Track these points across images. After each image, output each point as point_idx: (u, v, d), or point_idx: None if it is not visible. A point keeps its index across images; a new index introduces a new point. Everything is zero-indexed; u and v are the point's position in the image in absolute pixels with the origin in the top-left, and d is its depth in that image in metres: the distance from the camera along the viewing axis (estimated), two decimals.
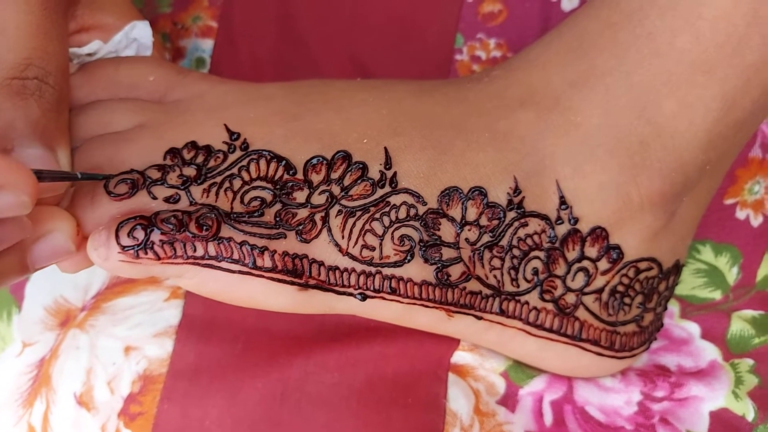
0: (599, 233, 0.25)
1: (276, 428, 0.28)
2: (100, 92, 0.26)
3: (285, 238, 0.24)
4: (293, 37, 0.33)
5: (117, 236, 0.23)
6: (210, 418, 0.28)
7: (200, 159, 0.24)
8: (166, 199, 0.23)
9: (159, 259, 0.23)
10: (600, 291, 0.26)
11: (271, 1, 0.34)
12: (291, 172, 0.24)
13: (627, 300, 0.27)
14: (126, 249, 0.23)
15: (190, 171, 0.24)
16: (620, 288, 0.26)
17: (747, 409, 0.29)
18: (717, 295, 0.31)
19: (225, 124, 0.25)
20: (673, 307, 0.31)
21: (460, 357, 0.29)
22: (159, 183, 0.24)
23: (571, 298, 0.26)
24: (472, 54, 0.33)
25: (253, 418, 0.27)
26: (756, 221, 0.31)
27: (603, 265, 0.26)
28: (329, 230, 0.24)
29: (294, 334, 0.29)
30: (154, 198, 0.23)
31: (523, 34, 0.33)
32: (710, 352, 0.30)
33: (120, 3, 0.28)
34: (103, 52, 0.28)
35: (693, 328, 0.30)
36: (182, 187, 0.24)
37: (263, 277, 0.23)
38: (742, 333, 0.30)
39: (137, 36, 0.28)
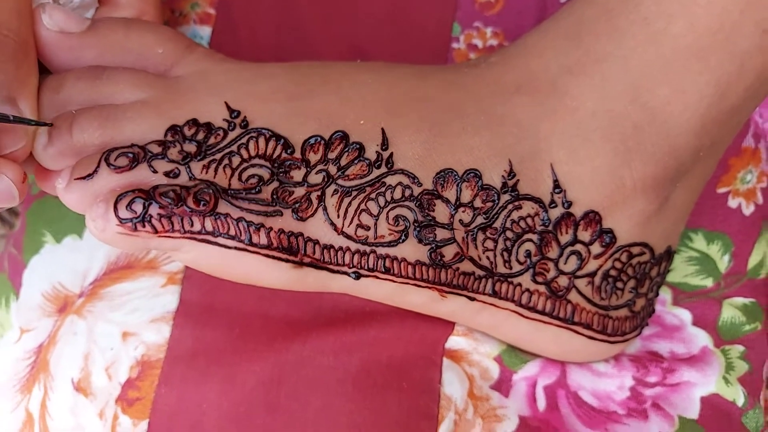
0: (592, 217, 0.26)
1: (272, 412, 0.28)
2: (108, 57, 0.26)
3: (281, 215, 0.24)
4: (292, 25, 0.33)
5: (116, 208, 0.23)
6: (207, 402, 0.28)
7: (201, 136, 0.24)
8: (166, 174, 0.24)
9: (156, 232, 0.23)
10: (592, 275, 0.26)
11: None
12: (289, 151, 0.24)
13: (619, 284, 0.27)
14: (124, 221, 0.23)
15: (190, 147, 0.24)
16: (612, 272, 0.26)
17: (737, 395, 0.29)
18: (709, 282, 0.31)
19: (225, 102, 0.25)
20: (666, 294, 0.31)
21: (454, 342, 0.29)
22: (160, 157, 0.24)
23: (563, 281, 0.26)
24: (468, 42, 0.33)
25: (250, 402, 0.28)
26: (748, 210, 0.32)
27: (596, 249, 0.26)
28: (325, 209, 0.24)
29: (291, 319, 0.29)
30: (155, 172, 0.24)
31: (519, 22, 0.33)
32: (702, 339, 0.30)
33: None
34: None
35: (685, 315, 0.31)
36: (182, 163, 0.24)
37: (259, 253, 0.24)
38: (732, 320, 0.30)
39: None
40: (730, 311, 0.30)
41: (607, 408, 0.29)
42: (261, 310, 0.29)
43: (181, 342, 0.29)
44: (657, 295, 0.29)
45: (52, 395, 0.30)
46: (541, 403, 0.29)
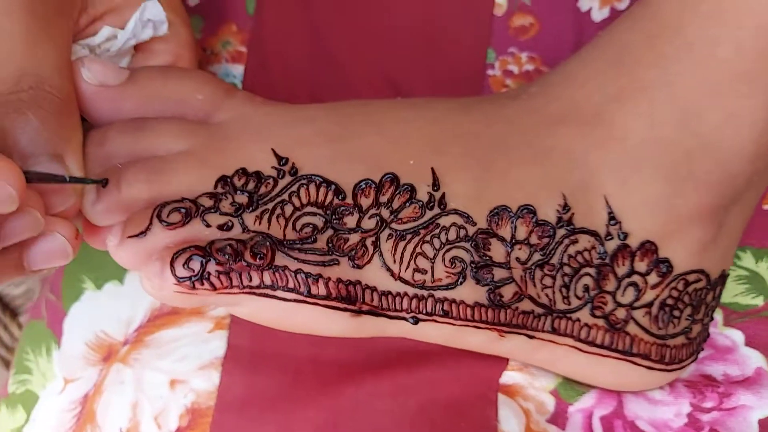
0: (648, 247, 0.25)
1: None
2: (148, 107, 0.26)
3: (338, 264, 0.24)
4: (325, 58, 0.33)
5: (173, 267, 0.22)
6: None
7: (251, 186, 0.24)
8: (220, 227, 0.23)
9: (215, 289, 0.23)
10: (650, 305, 0.26)
11: (300, 23, 0.34)
12: (340, 197, 0.24)
13: (676, 313, 0.26)
14: (182, 280, 0.22)
15: (242, 198, 0.24)
16: (670, 301, 0.26)
17: None
18: (759, 301, 0.30)
19: (273, 149, 0.25)
20: (717, 315, 0.30)
21: (509, 377, 0.28)
22: (212, 211, 0.24)
23: (621, 313, 0.26)
24: (504, 68, 0.33)
25: None
26: None
27: (653, 279, 0.26)
28: (381, 255, 0.24)
29: (344, 362, 0.29)
30: (208, 226, 0.23)
31: (556, 46, 0.33)
32: (755, 360, 0.30)
33: None
34: (121, 41, 0.28)
35: (737, 336, 0.30)
36: (235, 215, 0.24)
37: (318, 304, 0.23)
38: None
39: (150, 16, 0.28)
40: None
41: None
42: (312, 354, 0.29)
43: (231, 389, 0.29)
44: (712, 319, 0.29)
45: None
46: None
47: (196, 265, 0.22)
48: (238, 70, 0.34)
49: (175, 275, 0.22)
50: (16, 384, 0.33)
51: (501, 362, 0.28)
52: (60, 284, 0.33)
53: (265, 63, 0.33)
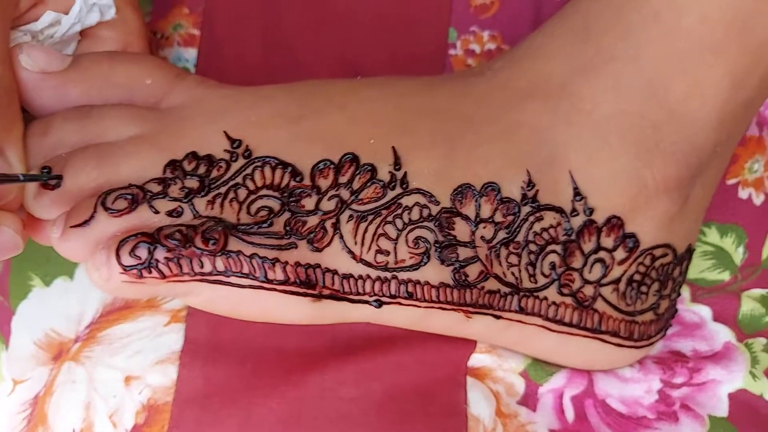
0: (615, 222, 0.25)
1: None
2: (94, 94, 0.25)
3: (296, 248, 0.23)
4: (280, 42, 0.32)
5: (118, 255, 0.21)
6: None
7: (202, 170, 0.23)
8: (169, 213, 0.22)
9: (164, 277, 0.22)
10: (617, 281, 0.26)
11: (254, 4, 0.33)
12: (298, 179, 0.23)
13: (644, 288, 0.26)
14: (128, 269, 0.21)
15: (192, 183, 0.23)
16: (637, 277, 0.26)
17: (765, 389, 0.29)
18: (725, 276, 0.30)
19: (225, 132, 0.24)
20: (684, 291, 0.30)
21: (477, 360, 0.28)
22: (160, 197, 0.22)
23: (589, 290, 0.25)
24: (466, 48, 0.32)
25: None
26: (758, 200, 0.31)
27: (620, 254, 0.25)
28: (341, 237, 0.23)
29: (306, 350, 0.28)
30: (156, 212, 0.22)
31: (516, 24, 0.32)
32: (723, 335, 0.30)
33: None
34: (66, 26, 0.26)
35: (705, 312, 0.30)
36: (185, 200, 0.22)
37: (275, 290, 0.22)
38: (752, 312, 0.30)
39: (96, 0, 0.27)
40: (750, 304, 0.30)
41: (636, 414, 0.28)
42: (273, 343, 0.28)
43: (190, 383, 0.28)
44: (679, 295, 0.29)
45: None
46: (570, 415, 0.28)
47: (143, 252, 0.21)
48: (190, 54, 0.33)
49: (120, 263, 0.21)
50: None
51: (469, 345, 0.28)
52: (7, 283, 0.32)
53: (218, 46, 0.32)
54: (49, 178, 0.23)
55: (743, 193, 0.31)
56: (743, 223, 0.31)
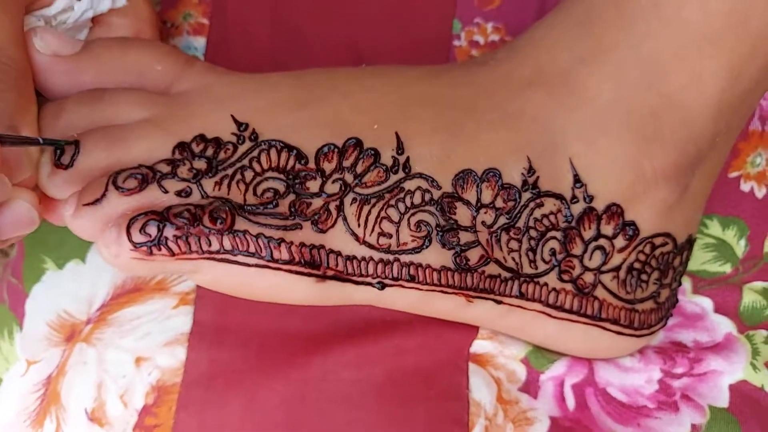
0: (615, 210, 0.25)
1: (298, 430, 0.27)
2: (106, 78, 0.25)
3: (301, 228, 0.23)
4: (288, 31, 0.33)
5: (129, 233, 0.22)
6: (229, 425, 0.27)
7: (210, 152, 0.24)
8: (178, 193, 0.23)
9: (173, 254, 0.22)
10: (617, 269, 0.26)
11: None
12: (303, 162, 0.24)
13: (644, 276, 0.26)
14: (138, 246, 0.22)
15: (200, 164, 0.23)
16: (637, 265, 0.26)
17: (765, 380, 0.29)
18: (727, 268, 0.31)
19: (232, 115, 0.24)
20: (686, 283, 0.31)
21: (479, 346, 0.28)
22: (170, 177, 0.23)
23: (589, 277, 0.26)
24: (470, 39, 0.33)
25: (274, 421, 0.27)
26: (760, 193, 0.31)
27: (619, 242, 0.26)
28: (345, 219, 0.24)
29: (309, 333, 0.28)
30: (165, 192, 0.23)
31: (520, 16, 0.33)
32: (725, 326, 0.30)
33: None
34: (78, 12, 0.27)
35: (706, 303, 0.30)
36: (193, 180, 0.23)
37: (280, 269, 0.23)
38: (754, 305, 0.30)
39: None
40: (751, 296, 0.30)
41: (637, 403, 0.28)
42: (278, 326, 0.28)
43: (198, 364, 0.28)
44: (680, 284, 0.29)
45: (65, 427, 0.29)
46: (570, 403, 0.28)
47: (152, 230, 0.22)
48: (199, 42, 0.33)
49: (131, 240, 0.22)
50: None
51: (471, 331, 0.28)
52: (21, 266, 0.32)
53: (227, 35, 0.33)
54: (66, 143, 0.23)
55: (745, 187, 0.31)
56: (745, 216, 0.31)
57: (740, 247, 0.31)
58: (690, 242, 0.28)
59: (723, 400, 0.28)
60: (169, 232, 0.22)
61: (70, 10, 0.27)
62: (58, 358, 0.30)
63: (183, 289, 0.29)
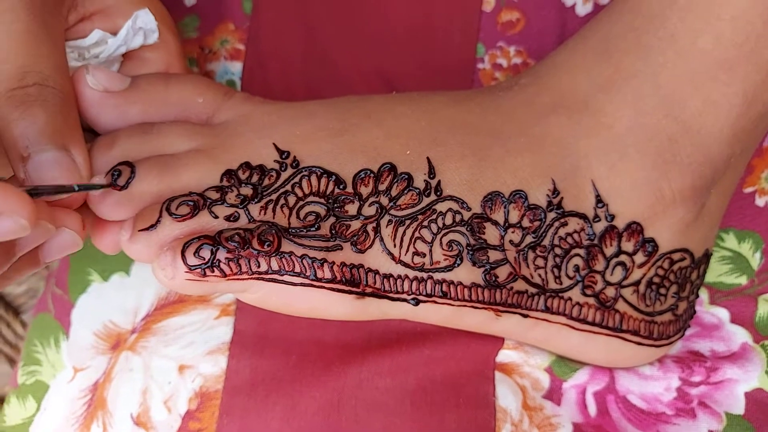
0: (635, 228, 0.26)
1: None
2: (152, 111, 0.27)
3: (341, 249, 0.25)
4: (320, 55, 0.34)
5: (183, 256, 0.23)
6: (270, 430, 0.28)
7: (255, 178, 0.25)
8: (227, 218, 0.24)
9: (225, 276, 0.24)
10: (637, 283, 0.27)
11: (296, 22, 0.35)
12: (341, 186, 0.25)
13: (662, 290, 0.28)
14: (193, 268, 0.23)
15: (246, 190, 0.25)
16: (656, 279, 0.27)
17: None
18: (743, 280, 0.32)
19: (274, 144, 0.26)
20: (703, 294, 0.31)
21: (505, 355, 0.30)
22: (219, 203, 0.25)
23: (611, 291, 0.27)
24: (493, 62, 0.34)
25: (313, 428, 0.28)
26: None
27: (639, 258, 0.27)
28: (381, 240, 0.25)
29: (345, 343, 0.30)
30: (216, 217, 0.24)
31: (541, 40, 0.34)
32: (740, 336, 0.31)
33: None
34: (112, 47, 0.28)
35: (722, 314, 0.31)
36: (241, 206, 0.25)
37: (324, 287, 0.24)
38: None
39: (141, 25, 0.28)
40: (766, 307, 0.31)
41: (656, 410, 0.29)
42: (315, 336, 0.30)
43: (239, 372, 0.30)
44: (697, 297, 0.30)
45: (111, 431, 0.30)
46: (592, 409, 0.29)
47: (206, 253, 0.23)
48: (236, 67, 0.34)
49: (186, 263, 0.23)
50: (26, 375, 0.33)
51: (497, 341, 0.30)
52: (66, 278, 0.34)
53: (262, 60, 0.34)
54: (101, 187, 0.24)
55: (760, 201, 0.32)
56: (760, 230, 0.32)
57: (755, 260, 0.32)
58: (707, 256, 0.29)
59: (739, 408, 0.29)
60: (222, 255, 0.23)
61: (103, 44, 0.29)
62: (104, 366, 0.31)
63: (224, 300, 0.31)
